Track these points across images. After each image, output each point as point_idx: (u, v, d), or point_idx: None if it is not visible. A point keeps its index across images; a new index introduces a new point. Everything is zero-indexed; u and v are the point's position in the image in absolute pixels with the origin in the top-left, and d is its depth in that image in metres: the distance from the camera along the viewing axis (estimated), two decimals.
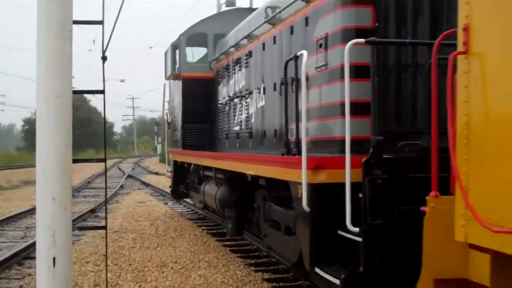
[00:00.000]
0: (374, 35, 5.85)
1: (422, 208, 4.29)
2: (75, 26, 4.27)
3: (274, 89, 8.47)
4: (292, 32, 7.82)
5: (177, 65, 14.15)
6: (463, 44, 3.52)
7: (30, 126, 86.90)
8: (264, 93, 9.11)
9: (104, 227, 5.08)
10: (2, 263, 9.29)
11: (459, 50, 3.56)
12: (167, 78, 15.81)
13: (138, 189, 25.72)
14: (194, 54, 14.65)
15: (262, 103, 9.28)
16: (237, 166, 8.89)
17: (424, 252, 4.28)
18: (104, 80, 5.10)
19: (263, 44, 9.16)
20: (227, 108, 11.84)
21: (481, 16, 3.41)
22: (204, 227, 13.40)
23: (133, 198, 21.15)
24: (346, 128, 5.41)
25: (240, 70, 10.69)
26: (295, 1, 7.50)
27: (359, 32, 5.97)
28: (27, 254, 10.38)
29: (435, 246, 4.22)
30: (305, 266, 6.32)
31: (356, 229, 5.28)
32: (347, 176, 5.31)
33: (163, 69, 16.02)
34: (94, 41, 49.03)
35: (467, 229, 3.51)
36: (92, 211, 16.71)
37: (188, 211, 16.62)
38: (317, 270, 5.93)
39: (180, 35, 13.87)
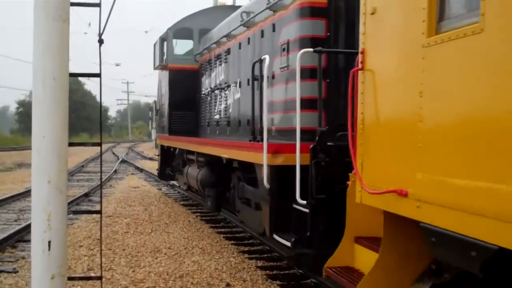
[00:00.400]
0: (326, 43, 7.26)
1: (348, 182, 5.41)
2: (70, 9, 4.21)
3: (248, 84, 9.52)
4: (262, 36, 9.12)
5: (165, 57, 15.27)
6: (361, 63, 4.80)
7: (24, 108, 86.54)
8: (240, 86, 10.42)
9: (99, 212, 5.06)
10: None
11: (358, 67, 4.83)
12: (155, 68, 16.74)
13: (132, 174, 25.71)
14: (182, 47, 15.79)
15: (238, 95, 10.57)
16: (214, 150, 10.17)
17: (346, 215, 5.49)
18: (100, 63, 5.05)
19: (240, 44, 10.53)
20: (209, 98, 13.20)
21: (370, 43, 4.74)
22: (198, 214, 13.41)
23: (127, 183, 21.14)
24: (297, 120, 6.62)
25: (220, 65, 12.03)
26: (263, 11, 8.84)
27: (313, 40, 7.29)
28: (20, 237, 10.36)
29: (355, 211, 5.38)
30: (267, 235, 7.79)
31: (304, 202, 6.58)
32: (297, 159, 6.59)
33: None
34: (89, 24, 48.88)
35: (362, 194, 4.74)
36: (86, 195, 16.71)
37: (182, 197, 16.63)
38: (275, 236, 7.35)
39: (168, 29, 15.00)
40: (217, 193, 11.23)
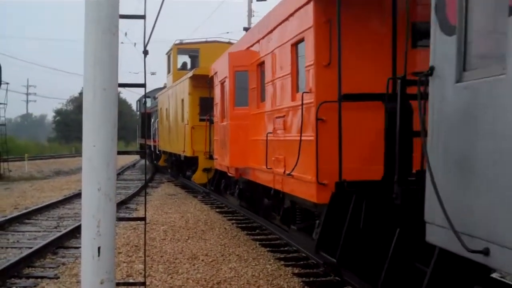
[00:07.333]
0: None
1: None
2: None
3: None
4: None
5: (142, 107, 36.01)
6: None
7: (61, 117, 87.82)
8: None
9: (143, 219, 5.18)
10: (37, 252, 9.48)
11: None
12: (137, 111, 38.68)
13: (168, 181, 25.96)
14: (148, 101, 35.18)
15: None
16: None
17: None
18: (145, 74, 5.19)
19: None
20: (153, 125, 31.60)
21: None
22: (233, 221, 13.50)
23: (163, 191, 21.38)
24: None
25: (155, 113, 32.04)
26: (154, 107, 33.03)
27: None
28: (60, 243, 10.56)
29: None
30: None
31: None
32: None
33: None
34: (126, 33, 49.35)
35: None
36: (123, 202, 16.93)
37: (218, 204, 16.75)
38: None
39: (141, 96, 36.81)
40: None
